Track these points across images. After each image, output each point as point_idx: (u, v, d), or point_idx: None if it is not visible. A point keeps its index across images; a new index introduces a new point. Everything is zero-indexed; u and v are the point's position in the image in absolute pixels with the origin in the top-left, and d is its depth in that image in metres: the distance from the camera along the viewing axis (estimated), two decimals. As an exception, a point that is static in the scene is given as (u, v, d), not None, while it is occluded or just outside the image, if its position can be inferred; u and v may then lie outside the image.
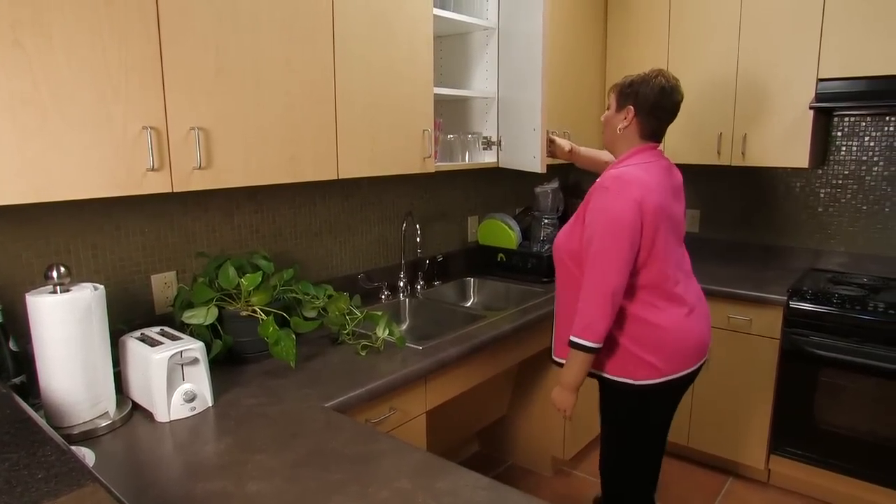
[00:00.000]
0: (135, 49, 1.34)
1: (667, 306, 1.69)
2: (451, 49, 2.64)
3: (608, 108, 1.79)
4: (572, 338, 1.65)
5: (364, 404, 1.56)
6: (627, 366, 1.70)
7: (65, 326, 1.26)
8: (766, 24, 2.60)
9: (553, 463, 2.71)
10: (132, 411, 1.42)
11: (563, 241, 1.77)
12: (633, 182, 1.61)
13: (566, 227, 1.79)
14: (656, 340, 1.68)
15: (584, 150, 2.26)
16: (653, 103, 1.68)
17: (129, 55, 1.33)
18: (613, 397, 1.79)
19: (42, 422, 0.89)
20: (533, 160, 2.39)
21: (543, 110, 2.33)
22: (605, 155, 2.18)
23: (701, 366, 1.80)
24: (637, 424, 1.80)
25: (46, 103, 1.22)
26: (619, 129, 1.73)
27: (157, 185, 1.42)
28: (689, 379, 1.77)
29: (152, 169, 1.40)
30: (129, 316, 1.71)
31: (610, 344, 1.71)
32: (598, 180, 1.68)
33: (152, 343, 1.43)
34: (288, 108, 1.67)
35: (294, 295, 1.81)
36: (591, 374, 1.78)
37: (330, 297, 1.86)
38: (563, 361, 1.78)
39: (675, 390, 1.76)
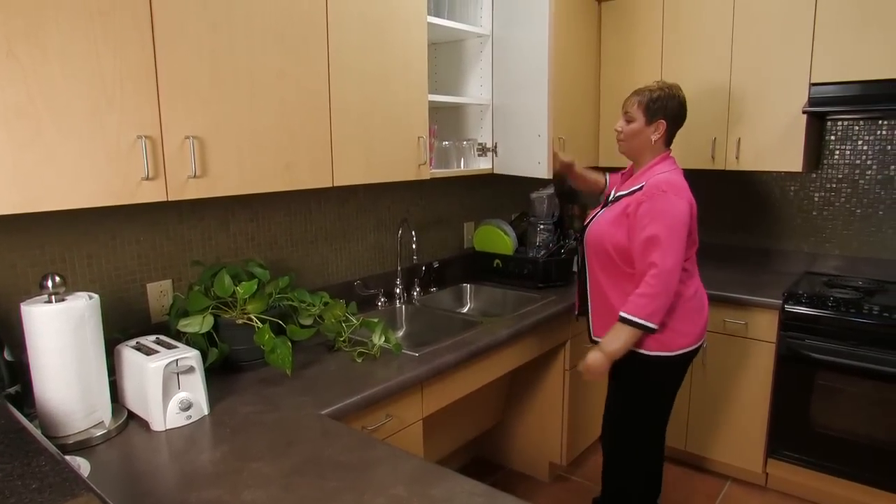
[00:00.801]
0: (129, 58, 1.34)
1: (690, 281, 1.93)
2: (445, 56, 2.65)
3: (630, 122, 1.94)
4: (632, 317, 1.80)
5: (360, 411, 1.56)
6: (663, 339, 1.87)
7: (60, 336, 1.26)
8: (758, 29, 2.62)
9: (551, 468, 2.71)
10: (127, 420, 1.42)
11: (604, 234, 1.94)
12: (682, 186, 1.86)
13: (606, 220, 1.95)
14: (686, 310, 1.89)
15: (581, 170, 2.38)
16: (677, 114, 1.93)
17: (123, 65, 1.33)
18: (639, 372, 1.90)
19: (36, 432, 0.89)
20: (538, 166, 2.42)
21: (550, 117, 2.35)
22: (601, 177, 2.32)
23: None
24: (657, 395, 1.97)
25: (41, 114, 1.22)
26: (654, 141, 1.92)
27: (151, 194, 1.42)
28: (699, 349, 1.98)
29: (147, 178, 1.40)
30: (124, 325, 1.71)
31: None
32: (648, 185, 1.86)
33: (148, 352, 1.43)
34: (283, 117, 1.68)
35: (290, 302, 1.81)
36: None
37: (326, 304, 1.86)
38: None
39: (690, 360, 1.97)
